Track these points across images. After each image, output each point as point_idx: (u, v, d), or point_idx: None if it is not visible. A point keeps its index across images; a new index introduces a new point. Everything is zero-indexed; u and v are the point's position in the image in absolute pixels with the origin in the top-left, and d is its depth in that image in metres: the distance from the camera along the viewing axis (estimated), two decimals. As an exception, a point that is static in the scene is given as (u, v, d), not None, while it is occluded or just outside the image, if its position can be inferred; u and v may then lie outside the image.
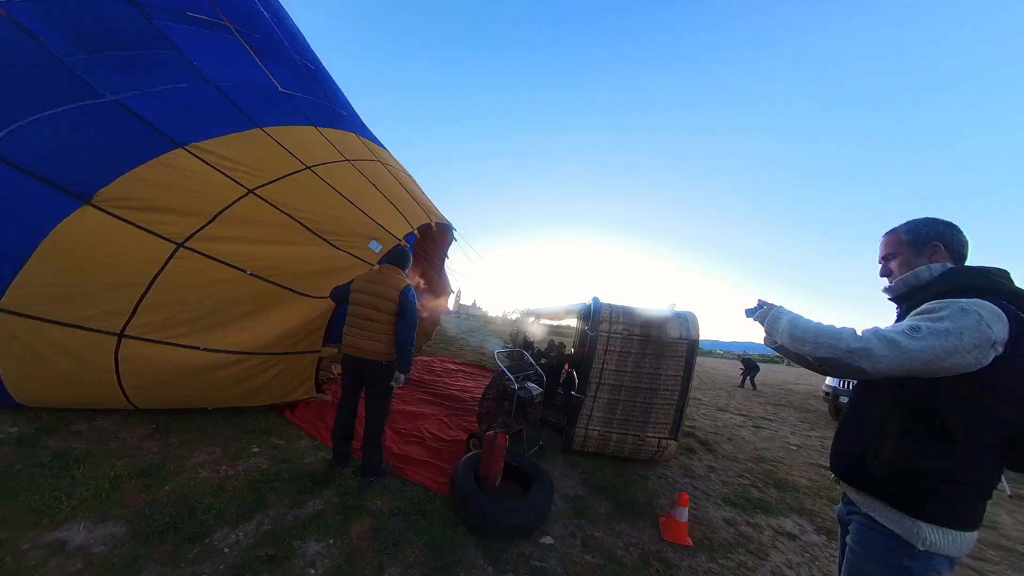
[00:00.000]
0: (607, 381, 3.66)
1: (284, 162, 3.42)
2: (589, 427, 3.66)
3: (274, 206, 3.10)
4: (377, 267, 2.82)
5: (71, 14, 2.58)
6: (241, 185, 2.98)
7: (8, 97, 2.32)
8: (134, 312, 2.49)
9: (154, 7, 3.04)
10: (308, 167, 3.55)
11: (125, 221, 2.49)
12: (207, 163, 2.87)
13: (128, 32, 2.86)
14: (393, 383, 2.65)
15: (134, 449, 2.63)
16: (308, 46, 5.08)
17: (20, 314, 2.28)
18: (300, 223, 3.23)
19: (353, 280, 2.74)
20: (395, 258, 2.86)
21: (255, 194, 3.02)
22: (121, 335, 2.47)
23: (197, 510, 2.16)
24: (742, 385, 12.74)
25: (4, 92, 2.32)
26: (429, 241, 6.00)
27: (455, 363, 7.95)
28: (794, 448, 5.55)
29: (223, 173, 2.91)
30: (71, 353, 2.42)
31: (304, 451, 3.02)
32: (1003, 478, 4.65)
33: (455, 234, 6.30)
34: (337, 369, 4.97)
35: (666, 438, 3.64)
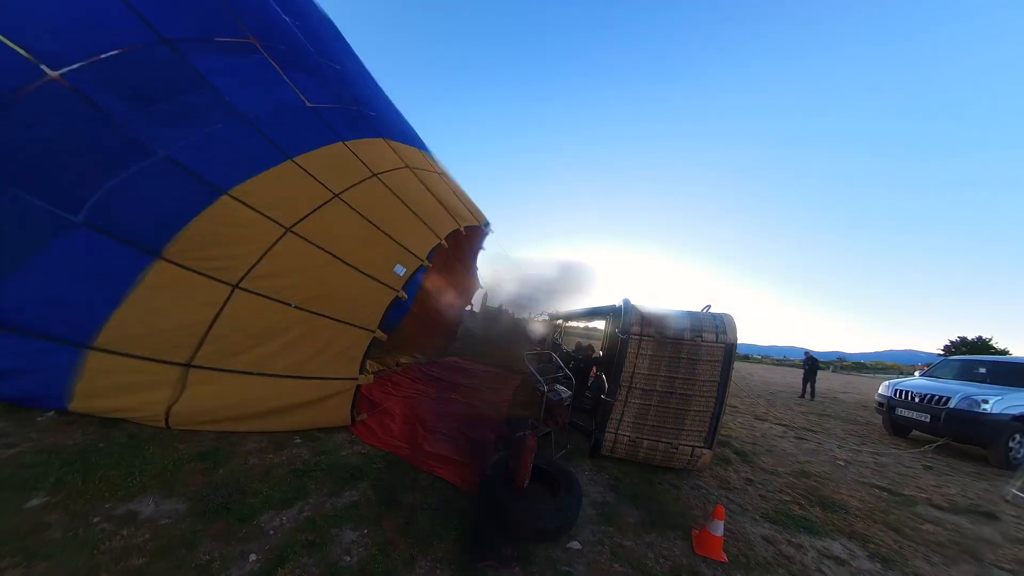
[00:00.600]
0: (638, 385, 3.54)
1: (315, 193, 3.65)
2: (619, 432, 3.55)
3: (310, 242, 3.39)
4: None
5: (119, 70, 2.85)
6: (280, 225, 3.27)
7: (84, 167, 2.71)
8: (200, 345, 2.86)
9: (186, 42, 3.21)
10: (336, 195, 3.75)
11: (190, 270, 2.89)
12: (249, 207, 3.17)
13: (167, 78, 3.11)
14: None
15: (193, 435, 2.85)
16: (335, 39, 4.97)
17: (108, 351, 2.71)
18: (333, 255, 3.49)
19: None
20: None
21: (293, 232, 3.32)
22: (188, 365, 2.84)
23: (247, 493, 2.30)
24: (803, 395, 11.35)
25: (81, 163, 2.69)
26: (458, 244, 6.07)
27: (483, 364, 8.02)
28: (842, 464, 5.09)
29: (263, 215, 3.22)
30: (142, 380, 2.80)
31: (341, 444, 3.14)
32: None
33: (490, 230, 6.27)
34: (373, 367, 5.15)
35: (700, 447, 3.46)
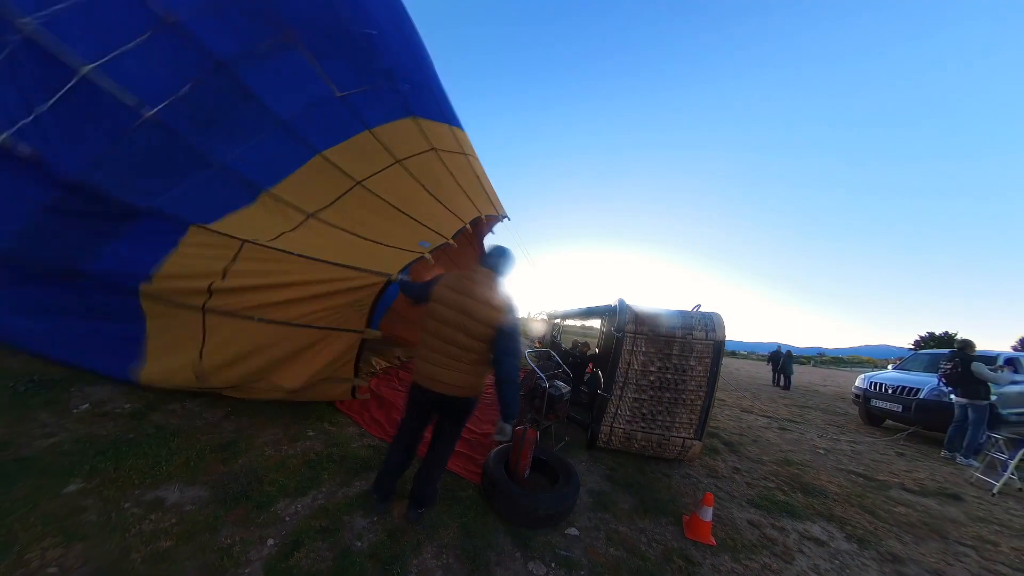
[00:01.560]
0: (633, 380, 3.57)
1: (340, 182, 3.83)
2: (615, 425, 3.58)
3: (332, 225, 3.54)
4: (472, 271, 2.10)
5: (190, 102, 3.24)
6: (303, 211, 3.51)
7: (162, 172, 3.16)
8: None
9: (236, 59, 3.49)
10: (359, 182, 3.89)
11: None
12: (282, 200, 3.49)
13: (223, 101, 3.47)
14: (499, 436, 2.02)
15: (214, 427, 2.87)
16: None
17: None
18: (355, 234, 3.57)
19: (435, 284, 2.06)
20: (494, 261, 2.11)
21: (315, 217, 3.54)
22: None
23: (264, 482, 2.32)
24: (775, 383, 11.74)
25: (163, 175, 3.16)
26: (475, 232, 5.69)
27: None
28: (822, 452, 5.15)
29: (292, 206, 3.51)
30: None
31: (352, 437, 3.16)
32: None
33: (504, 222, 5.85)
34: (379, 364, 5.16)
35: (691, 438, 3.50)
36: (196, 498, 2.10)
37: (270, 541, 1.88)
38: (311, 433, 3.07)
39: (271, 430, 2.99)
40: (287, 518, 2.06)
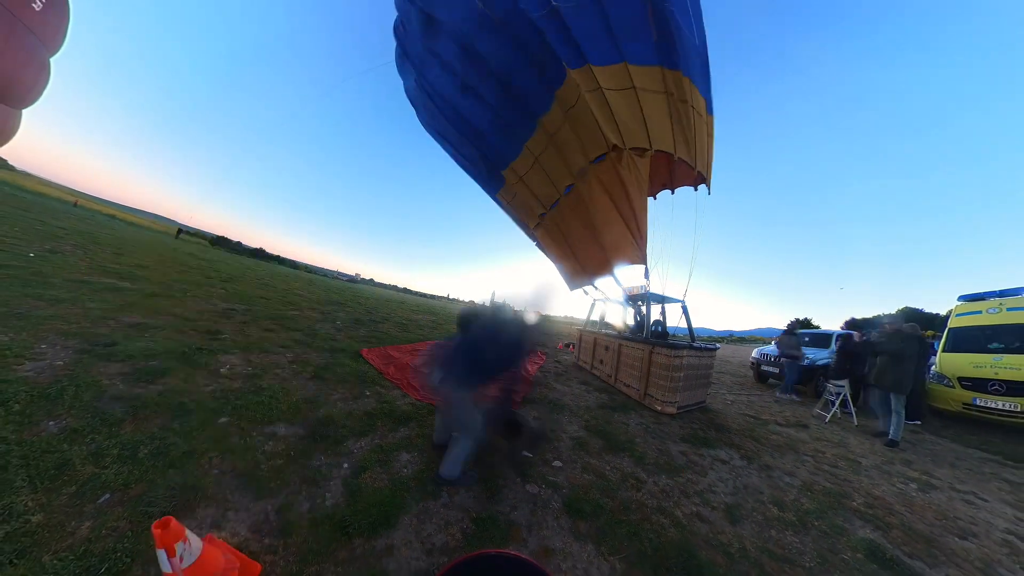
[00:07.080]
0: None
1: None
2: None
3: None
4: None
5: None
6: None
7: None
8: None
9: None
10: None
11: None
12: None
13: None
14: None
15: (303, 387, 2.93)
16: None
17: None
18: None
19: None
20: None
21: None
22: None
23: (338, 427, 2.38)
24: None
25: None
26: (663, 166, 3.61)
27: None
28: (729, 402, 5.35)
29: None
30: None
31: (396, 397, 3.16)
32: (852, 412, 4.95)
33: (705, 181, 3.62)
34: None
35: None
36: (295, 434, 2.18)
37: (345, 465, 1.95)
38: (367, 393, 3.11)
39: (340, 390, 3.03)
40: (355, 451, 2.12)
